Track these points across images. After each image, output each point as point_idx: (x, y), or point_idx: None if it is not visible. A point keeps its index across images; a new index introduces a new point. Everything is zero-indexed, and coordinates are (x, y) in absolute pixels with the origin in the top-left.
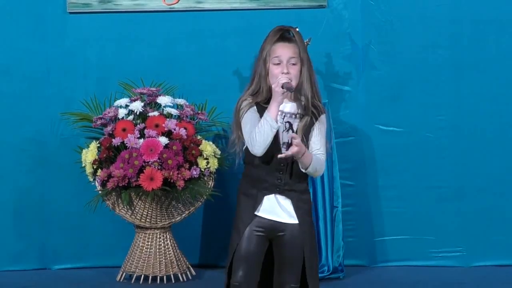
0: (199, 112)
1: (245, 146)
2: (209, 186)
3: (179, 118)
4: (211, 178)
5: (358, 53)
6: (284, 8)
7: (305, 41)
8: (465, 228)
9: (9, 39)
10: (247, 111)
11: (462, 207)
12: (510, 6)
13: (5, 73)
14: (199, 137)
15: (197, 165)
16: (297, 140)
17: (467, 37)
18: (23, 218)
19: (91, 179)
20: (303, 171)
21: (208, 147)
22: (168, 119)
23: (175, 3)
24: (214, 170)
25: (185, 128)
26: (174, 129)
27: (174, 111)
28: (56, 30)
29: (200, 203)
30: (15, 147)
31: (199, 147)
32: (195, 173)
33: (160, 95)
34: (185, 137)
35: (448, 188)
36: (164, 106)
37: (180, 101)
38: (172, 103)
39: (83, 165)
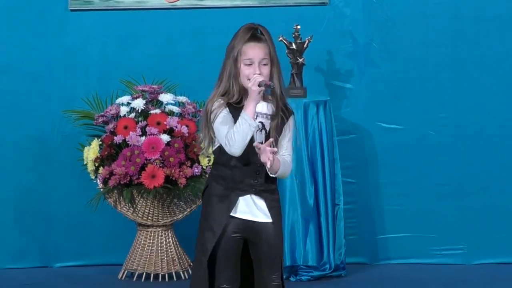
0: (201, 109)
1: (215, 148)
2: None
3: (180, 115)
4: None
5: (360, 50)
6: (285, 6)
7: (306, 38)
8: (466, 226)
9: (10, 37)
10: (220, 112)
11: (464, 204)
12: (511, 3)
13: (6, 71)
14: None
15: (198, 162)
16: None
17: (469, 34)
18: (24, 216)
19: (93, 177)
20: (273, 176)
21: None
22: (169, 117)
23: (176, 1)
24: None
25: (186, 126)
26: (176, 127)
27: (175, 109)
28: (57, 27)
29: (201, 201)
30: (16, 145)
31: None
32: (196, 170)
33: (161, 93)
34: (187, 134)
35: (449, 186)
36: (166, 104)
37: (182, 98)
38: (174, 100)
39: (85, 163)
